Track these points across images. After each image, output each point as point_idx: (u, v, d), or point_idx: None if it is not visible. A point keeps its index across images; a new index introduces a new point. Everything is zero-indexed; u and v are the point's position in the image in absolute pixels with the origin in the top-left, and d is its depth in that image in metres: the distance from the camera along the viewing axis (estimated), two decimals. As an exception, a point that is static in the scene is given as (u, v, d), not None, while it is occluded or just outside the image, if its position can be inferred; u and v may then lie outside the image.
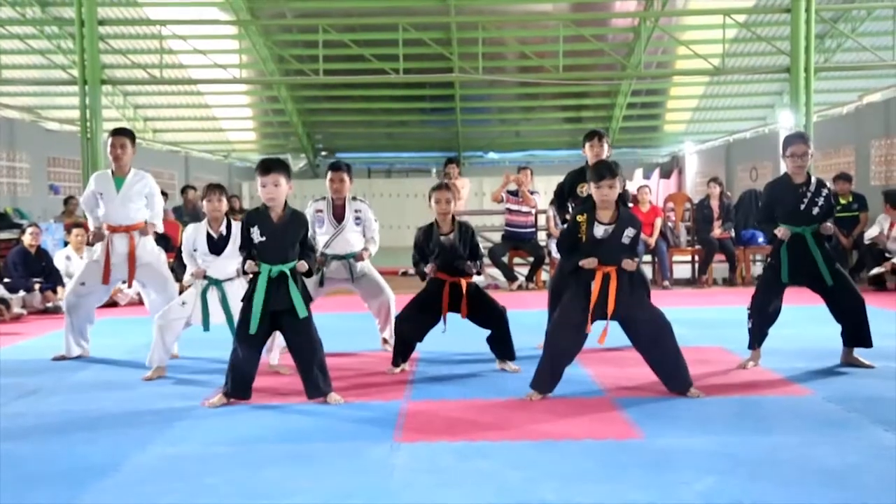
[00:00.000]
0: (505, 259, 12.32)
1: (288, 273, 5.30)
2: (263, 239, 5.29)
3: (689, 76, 21.53)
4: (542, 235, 12.77)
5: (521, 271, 12.54)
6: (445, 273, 6.28)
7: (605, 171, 5.44)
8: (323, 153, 26.30)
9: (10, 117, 16.23)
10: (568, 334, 5.44)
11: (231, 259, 6.25)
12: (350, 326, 8.06)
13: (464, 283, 6.28)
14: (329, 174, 7.06)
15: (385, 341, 7.30)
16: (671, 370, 5.44)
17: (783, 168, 6.35)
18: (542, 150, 25.71)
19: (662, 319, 5.43)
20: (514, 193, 12.25)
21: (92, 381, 6.25)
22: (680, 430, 4.68)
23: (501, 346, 6.43)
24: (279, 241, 5.32)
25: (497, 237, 12.93)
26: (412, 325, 6.35)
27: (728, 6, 16.78)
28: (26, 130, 16.27)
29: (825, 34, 18.67)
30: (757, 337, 6.29)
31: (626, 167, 23.74)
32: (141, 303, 7.64)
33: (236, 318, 6.22)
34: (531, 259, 12.47)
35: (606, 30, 20.65)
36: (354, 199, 7.14)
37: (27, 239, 10.58)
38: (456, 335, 6.63)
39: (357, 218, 7.05)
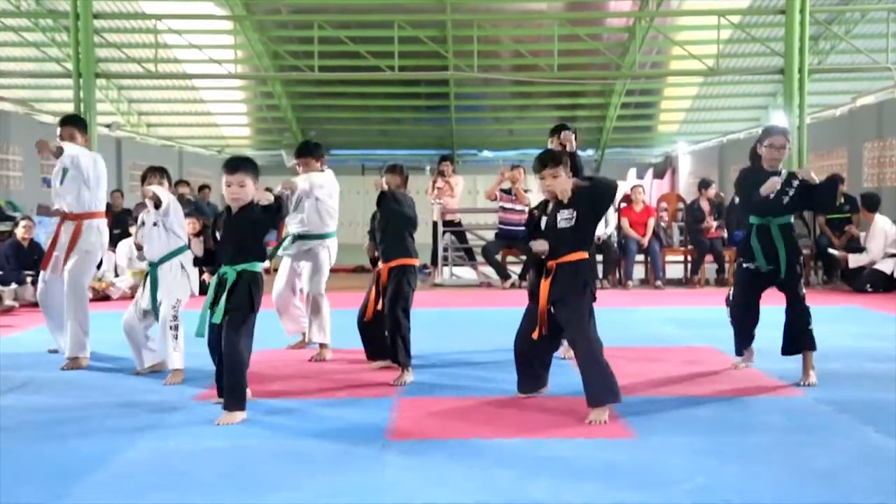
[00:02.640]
0: (498, 257, 12.33)
1: (234, 274, 4.94)
2: (219, 238, 5.11)
3: (684, 76, 21.53)
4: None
5: (515, 270, 12.54)
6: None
7: (547, 160, 5.06)
8: (317, 149, 26.29)
9: (5, 110, 16.16)
10: (528, 335, 5.22)
11: (160, 239, 6.18)
12: (344, 324, 8.02)
13: (384, 268, 6.15)
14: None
15: (308, 341, 7.14)
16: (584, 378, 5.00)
17: None
18: (535, 148, 25.29)
19: (580, 322, 4.98)
20: (508, 192, 12.25)
21: (83, 375, 6.23)
22: (671, 429, 4.67)
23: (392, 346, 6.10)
24: (229, 240, 5.03)
25: (491, 235, 12.92)
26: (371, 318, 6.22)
27: (723, 7, 16.81)
28: (20, 123, 16.18)
29: (819, 36, 18.67)
30: (743, 342, 6.19)
31: (619, 167, 24.09)
32: (132, 297, 7.57)
33: (161, 302, 6.11)
34: (524, 258, 12.47)
35: (601, 29, 20.62)
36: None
37: (20, 232, 10.55)
38: (447, 333, 6.62)
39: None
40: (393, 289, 6.04)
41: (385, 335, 6.07)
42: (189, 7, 19.05)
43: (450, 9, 18.63)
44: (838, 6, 18.44)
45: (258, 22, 19.69)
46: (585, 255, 5.05)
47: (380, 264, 6.22)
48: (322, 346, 6.93)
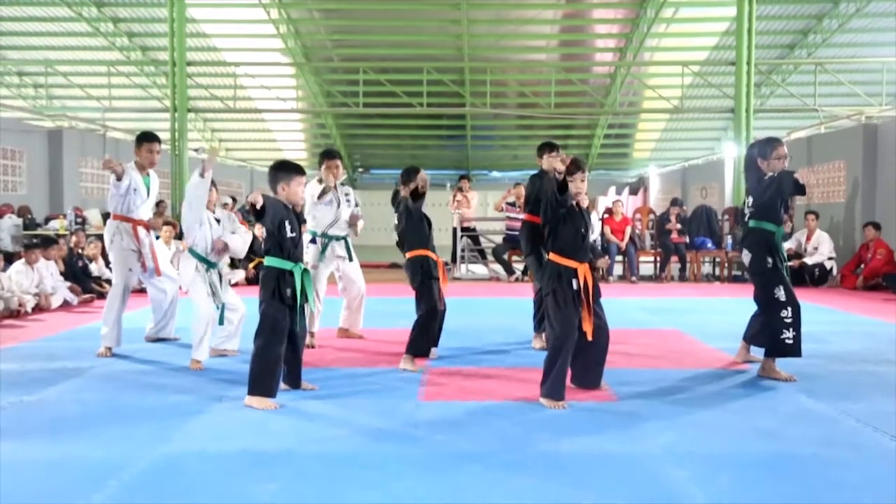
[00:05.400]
0: (505, 257, 12.33)
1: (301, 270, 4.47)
2: (294, 235, 4.45)
3: (654, 113, 21.48)
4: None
5: (518, 267, 12.53)
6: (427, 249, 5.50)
7: (582, 164, 4.63)
8: (360, 169, 26.33)
9: (117, 137, 16.33)
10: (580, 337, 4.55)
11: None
12: (388, 309, 8.06)
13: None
14: (326, 162, 6.28)
15: (345, 331, 6.62)
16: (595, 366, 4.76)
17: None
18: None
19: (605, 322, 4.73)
20: (513, 205, 12.24)
21: (182, 350, 6.29)
22: (645, 395, 4.67)
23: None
24: (300, 240, 4.57)
25: (499, 239, 12.92)
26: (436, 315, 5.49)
27: (685, 59, 16.84)
28: (128, 148, 16.26)
29: (762, 83, 18.62)
30: (800, 343, 5.12)
31: (601, 186, 23.93)
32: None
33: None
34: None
35: (589, 75, 20.59)
36: (342, 184, 6.56)
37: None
38: (464, 316, 6.61)
39: (348, 199, 6.43)
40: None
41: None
42: (260, 56, 19.23)
43: (467, 58, 18.72)
44: (777, 59, 18.54)
45: (315, 68, 19.82)
46: None
47: (430, 256, 5.48)
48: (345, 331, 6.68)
